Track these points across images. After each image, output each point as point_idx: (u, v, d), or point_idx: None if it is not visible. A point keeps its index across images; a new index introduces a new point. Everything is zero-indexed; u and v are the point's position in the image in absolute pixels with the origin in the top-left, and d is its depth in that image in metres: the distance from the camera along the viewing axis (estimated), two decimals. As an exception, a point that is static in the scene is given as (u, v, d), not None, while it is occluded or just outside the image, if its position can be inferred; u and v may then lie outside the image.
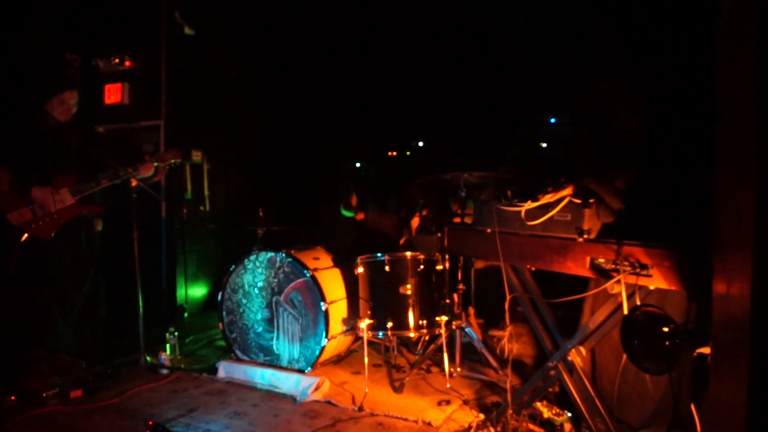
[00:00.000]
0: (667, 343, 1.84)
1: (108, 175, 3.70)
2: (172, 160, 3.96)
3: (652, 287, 2.20)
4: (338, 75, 5.97)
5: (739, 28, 1.29)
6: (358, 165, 5.59)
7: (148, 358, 3.94)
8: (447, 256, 3.68)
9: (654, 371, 2.00)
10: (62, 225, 3.61)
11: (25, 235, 3.50)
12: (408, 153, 5.98)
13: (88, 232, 3.82)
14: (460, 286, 3.75)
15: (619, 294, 2.24)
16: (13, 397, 3.23)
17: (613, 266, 2.25)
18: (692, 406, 2.17)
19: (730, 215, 1.30)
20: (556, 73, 5.00)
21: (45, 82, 3.80)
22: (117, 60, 5.32)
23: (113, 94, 5.42)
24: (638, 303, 2.16)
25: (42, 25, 4.90)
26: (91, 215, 3.80)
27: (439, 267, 3.64)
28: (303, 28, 5.91)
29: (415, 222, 4.81)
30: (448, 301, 3.69)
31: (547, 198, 2.49)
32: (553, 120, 5.19)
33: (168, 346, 4.14)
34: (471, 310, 4.04)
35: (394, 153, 5.75)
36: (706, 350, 1.76)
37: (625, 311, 2.17)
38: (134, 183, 3.81)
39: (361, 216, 4.78)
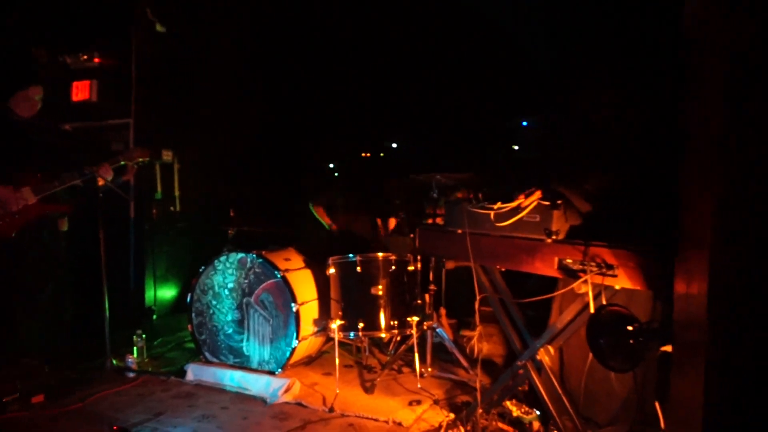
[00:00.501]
0: (631, 341, 1.88)
1: (72, 175, 3.61)
2: (140, 159, 3.88)
3: (618, 287, 2.25)
4: (312, 75, 5.95)
5: (703, 40, 1.33)
6: (331, 165, 5.57)
7: (115, 362, 3.86)
8: (419, 257, 3.70)
9: (619, 369, 2.04)
10: (24, 225, 3.50)
11: (-15, 234, 3.39)
12: (381, 154, 5.98)
13: (52, 232, 3.72)
14: (432, 287, 3.77)
15: (586, 294, 2.28)
16: (-29, 403, 3.13)
17: (580, 266, 2.29)
18: (656, 404, 2.23)
19: (690, 217, 1.33)
20: (532, 75, 5.06)
21: (8, 76, 3.69)
22: (85, 57, 5.19)
23: (81, 91, 5.28)
24: (604, 302, 2.20)
25: (7, 19, 4.77)
26: (55, 215, 3.70)
27: (411, 268, 3.65)
28: (277, 28, 5.86)
29: (392, 223, 4.80)
30: (419, 301, 3.71)
31: (518, 203, 2.51)
32: (524, 123, 5.26)
33: (135, 348, 4.06)
34: (442, 311, 4.07)
35: (368, 154, 5.75)
36: (670, 348, 1.81)
37: (592, 310, 2.21)
38: (101, 182, 3.73)
39: (335, 227, 4.75)
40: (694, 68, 1.35)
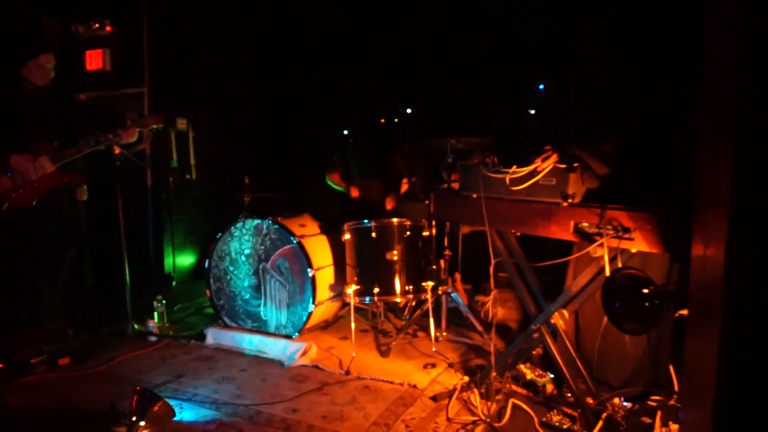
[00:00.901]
0: (646, 304, 1.87)
1: (89, 142, 3.63)
2: (154, 125, 3.90)
3: (634, 250, 2.23)
4: (327, 41, 5.86)
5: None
6: (345, 132, 5.54)
7: (136, 326, 3.96)
8: (434, 223, 3.70)
9: (634, 332, 2.04)
10: (44, 193, 3.56)
11: (6, 204, 3.45)
12: (396, 120, 5.92)
13: (71, 201, 3.77)
14: (447, 252, 3.78)
15: (602, 257, 2.26)
16: (1, 365, 3.23)
17: (596, 230, 2.27)
18: (671, 367, 2.23)
19: (708, 178, 1.31)
20: (546, 38, 4.93)
21: (21, 47, 3.69)
22: (97, 25, 5.15)
23: (94, 60, 5.27)
24: (620, 266, 2.18)
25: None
26: (73, 183, 3.75)
27: (426, 233, 3.66)
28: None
29: (404, 187, 4.79)
30: (434, 266, 3.72)
31: (534, 167, 2.48)
32: (541, 86, 5.15)
33: (156, 314, 4.16)
34: (457, 276, 4.08)
35: (382, 120, 5.70)
36: (686, 312, 1.80)
37: (607, 274, 2.20)
38: (117, 151, 3.76)
39: (355, 193, 4.74)
40: (713, 26, 1.30)
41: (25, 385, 3.15)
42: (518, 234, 2.77)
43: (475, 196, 2.77)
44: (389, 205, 4.67)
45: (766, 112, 1.20)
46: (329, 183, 4.92)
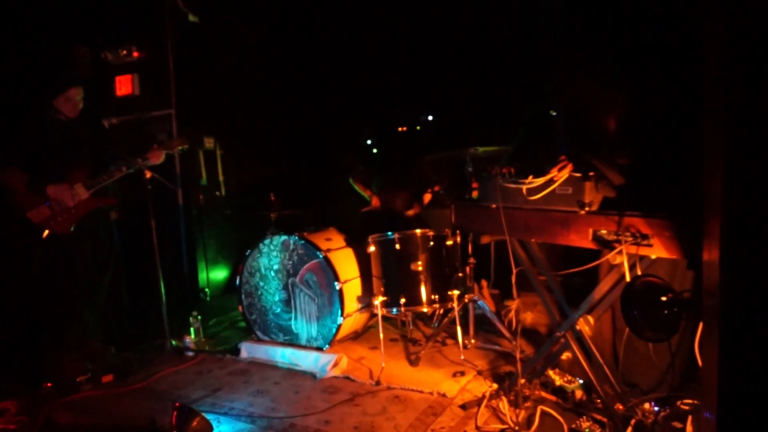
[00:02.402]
0: (665, 311, 1.88)
1: (119, 167, 3.80)
2: (180, 147, 4.05)
3: (653, 256, 2.23)
4: (346, 53, 5.95)
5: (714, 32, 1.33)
6: (368, 142, 5.61)
7: (174, 342, 4.10)
8: (458, 231, 3.73)
9: (653, 339, 2.05)
10: (80, 219, 3.73)
11: (46, 231, 3.63)
12: (418, 128, 5.96)
13: (106, 224, 3.95)
14: (471, 260, 3.81)
15: (622, 264, 2.27)
16: (49, 384, 3.40)
17: (614, 237, 2.28)
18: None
19: (711, 186, 1.34)
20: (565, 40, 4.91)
21: (52, 79, 3.88)
22: (125, 51, 5.38)
23: (124, 85, 5.50)
24: (639, 273, 2.19)
25: (48, 21, 4.97)
26: (106, 207, 3.92)
27: (449, 242, 3.69)
28: (308, 8, 5.87)
29: (427, 198, 4.83)
30: (460, 275, 3.75)
31: (550, 176, 2.51)
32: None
33: (192, 329, 4.29)
34: (484, 283, 4.11)
35: (404, 128, 5.75)
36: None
37: (628, 280, 2.20)
38: (148, 175, 3.92)
39: (376, 202, 4.80)
40: (707, 49, 1.34)
41: (71, 402, 3.30)
42: (539, 242, 2.79)
43: (493, 206, 2.80)
44: (411, 211, 4.70)
45: (753, 121, 1.23)
46: (352, 184, 4.97)
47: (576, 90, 2.69)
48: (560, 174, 2.43)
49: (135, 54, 5.39)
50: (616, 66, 2.56)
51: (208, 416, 2.78)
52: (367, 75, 5.89)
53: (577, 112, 2.73)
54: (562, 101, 2.83)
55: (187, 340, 4.13)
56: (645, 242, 2.17)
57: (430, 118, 6.10)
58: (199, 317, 4.37)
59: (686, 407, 2.48)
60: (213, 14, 5.52)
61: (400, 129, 5.71)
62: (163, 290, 4.06)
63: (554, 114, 5.17)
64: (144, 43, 5.37)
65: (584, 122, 2.83)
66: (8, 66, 4.51)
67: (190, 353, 4.02)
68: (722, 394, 1.27)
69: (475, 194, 3.59)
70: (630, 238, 2.20)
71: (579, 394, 2.90)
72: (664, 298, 1.90)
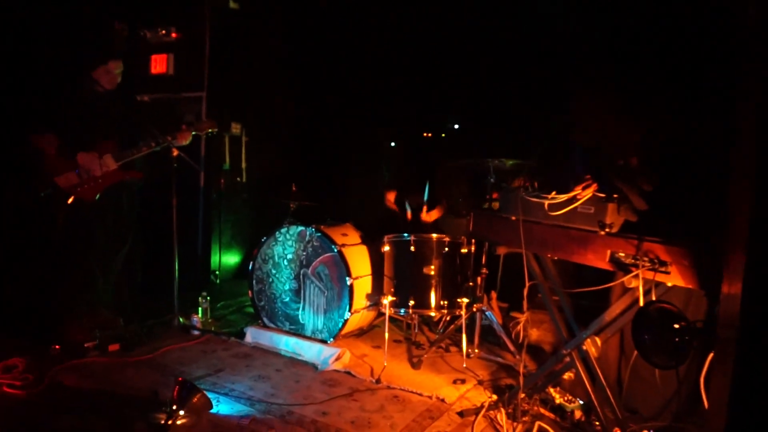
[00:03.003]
0: (676, 339, 1.88)
1: (148, 143, 3.86)
2: (209, 130, 4.10)
3: (669, 284, 2.23)
4: (377, 53, 5.98)
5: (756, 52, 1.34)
6: (393, 144, 5.63)
7: (181, 320, 4.15)
8: (473, 240, 3.74)
9: (661, 366, 2.05)
10: (105, 189, 3.80)
11: (71, 197, 3.70)
12: (443, 135, 5.98)
13: (129, 197, 4.01)
14: (484, 270, 3.82)
15: (637, 288, 2.27)
16: (57, 347, 3.47)
17: (632, 261, 2.28)
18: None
19: (734, 219, 1.35)
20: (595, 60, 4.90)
21: (93, 51, 3.96)
22: (163, 31, 5.46)
23: (159, 64, 5.58)
24: (653, 298, 2.19)
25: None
26: (132, 181, 3.99)
27: (464, 250, 3.70)
28: (342, 5, 5.92)
29: (434, 214, 4.79)
30: (471, 283, 3.76)
31: (574, 194, 2.52)
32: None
33: (200, 309, 4.34)
34: (493, 294, 4.11)
35: (429, 134, 5.77)
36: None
37: (641, 305, 2.20)
38: (175, 153, 3.98)
39: (409, 216, 4.79)
40: (744, 76, 1.35)
41: (77, 366, 3.35)
42: (555, 258, 2.80)
43: (513, 218, 2.81)
44: (430, 217, 4.70)
45: None
46: (386, 201, 4.98)
47: (593, 124, 2.71)
48: (584, 192, 2.44)
49: (173, 35, 5.47)
50: (635, 97, 2.57)
51: (209, 394, 2.82)
52: (399, 76, 5.92)
53: (595, 145, 2.74)
54: (579, 137, 2.85)
55: (195, 319, 4.18)
56: (663, 269, 2.17)
57: (456, 126, 6.12)
58: (209, 298, 4.42)
59: (685, 438, 2.48)
60: (253, 3, 5.58)
61: (425, 134, 5.74)
62: (177, 268, 4.11)
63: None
64: (182, 24, 5.44)
65: (602, 156, 2.83)
66: (51, 36, 4.61)
67: (196, 332, 4.07)
68: (731, 425, 1.27)
69: (495, 205, 3.61)
70: (648, 263, 2.21)
71: (578, 414, 2.90)
72: (676, 326, 1.90)
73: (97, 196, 3.77)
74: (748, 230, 1.25)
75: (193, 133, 4.04)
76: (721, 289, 1.50)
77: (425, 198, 4.78)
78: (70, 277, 3.81)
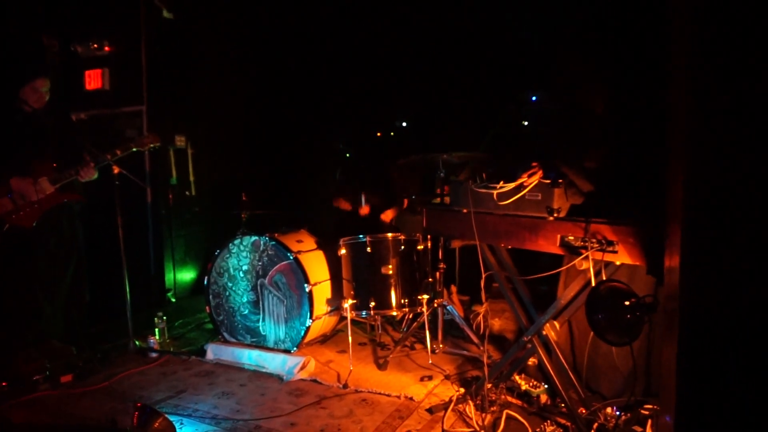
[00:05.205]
0: (628, 316, 1.93)
1: (87, 163, 3.70)
2: (152, 144, 3.96)
3: (618, 263, 2.28)
4: (321, 56, 5.95)
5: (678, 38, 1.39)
6: (341, 146, 5.61)
7: (137, 342, 4.01)
8: (429, 236, 3.75)
9: (616, 343, 2.09)
10: (44, 213, 3.63)
11: (7, 225, 3.52)
12: (392, 133, 6.00)
13: (69, 220, 3.84)
14: (442, 265, 3.83)
15: (588, 270, 2.32)
16: (4, 384, 3.29)
17: (581, 243, 2.33)
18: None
19: (672, 193, 1.39)
20: (538, 49, 5.01)
21: (20, 69, 3.78)
22: (96, 45, 5.27)
23: (94, 79, 5.39)
24: (604, 278, 2.24)
25: (17, 10, 4.84)
26: (71, 203, 3.82)
27: (421, 246, 3.71)
28: (284, 10, 5.86)
29: (405, 203, 4.79)
30: (430, 279, 3.77)
31: (520, 182, 2.55)
32: (534, 98, 5.22)
33: (157, 330, 4.21)
34: (453, 288, 4.14)
35: (379, 134, 5.77)
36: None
37: (593, 285, 2.25)
38: (116, 170, 3.83)
39: (365, 211, 4.75)
40: (670, 55, 1.40)
41: (27, 402, 3.19)
42: (509, 247, 2.83)
43: (465, 210, 2.83)
44: (387, 217, 4.70)
45: (714, 128, 1.28)
46: (337, 207, 4.93)
47: (572, 77, 2.73)
48: (530, 180, 2.48)
49: (106, 48, 5.28)
50: (607, 61, 2.61)
51: (171, 418, 2.73)
52: (344, 79, 5.91)
53: (570, 97, 2.76)
54: (559, 86, 2.86)
55: (152, 340, 4.04)
56: (610, 248, 2.22)
57: (404, 124, 6.15)
58: (165, 317, 4.29)
59: (646, 412, 2.55)
60: (188, 11, 5.45)
61: (376, 134, 5.74)
62: (128, 289, 3.96)
63: (525, 123, 5.26)
64: (116, 37, 5.27)
65: (575, 110, 2.84)
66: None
67: (154, 354, 3.94)
68: (680, 396, 1.31)
69: (447, 200, 3.63)
70: (596, 245, 2.25)
71: (544, 398, 2.94)
72: (627, 303, 1.95)
73: (35, 222, 3.60)
74: (682, 203, 1.29)
75: (134, 149, 3.90)
76: (665, 263, 1.54)
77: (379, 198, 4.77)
78: (14, 306, 3.62)
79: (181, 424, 2.89)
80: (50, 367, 3.46)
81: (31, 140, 3.65)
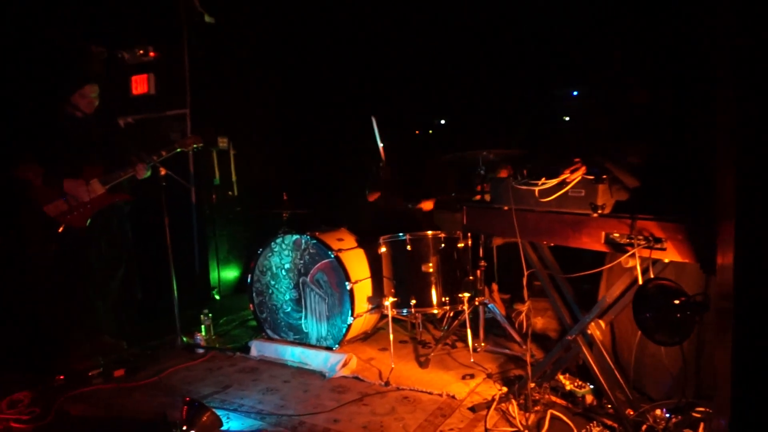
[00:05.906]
0: (677, 315, 1.87)
1: (134, 164, 3.84)
2: (195, 145, 4.07)
3: (666, 260, 2.22)
4: (360, 55, 5.98)
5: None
6: (381, 144, 5.61)
7: (185, 339, 4.13)
8: (469, 233, 3.73)
9: (665, 343, 2.03)
10: (95, 214, 3.78)
11: (62, 225, 3.68)
12: (430, 131, 5.98)
13: (120, 219, 3.99)
14: (482, 263, 3.80)
15: (634, 268, 2.26)
16: (61, 377, 3.44)
17: (627, 240, 2.27)
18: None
19: (723, 189, 1.34)
20: (578, 44, 4.91)
21: (69, 76, 3.94)
22: (141, 51, 5.44)
23: (140, 84, 5.57)
24: (651, 276, 2.18)
25: (65, 19, 5.03)
26: (122, 203, 3.97)
27: (461, 244, 3.69)
28: (322, 11, 5.91)
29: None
30: (471, 277, 3.74)
31: (562, 178, 2.51)
32: (575, 93, 5.12)
33: (203, 327, 4.32)
34: (494, 286, 4.09)
35: (417, 131, 5.76)
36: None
37: (640, 284, 2.19)
38: (163, 172, 3.96)
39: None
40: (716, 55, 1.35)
41: (83, 395, 3.33)
42: (552, 245, 2.79)
43: (506, 208, 2.80)
44: (427, 207, 4.66)
45: (764, 121, 1.23)
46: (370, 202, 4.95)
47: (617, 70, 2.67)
48: (573, 176, 2.43)
49: (151, 54, 5.45)
50: (652, 54, 2.55)
51: (218, 412, 2.80)
52: (383, 78, 5.92)
53: (615, 91, 2.70)
54: (603, 80, 2.81)
55: (198, 337, 4.16)
56: (658, 246, 2.16)
57: (443, 121, 6.12)
58: (210, 315, 4.40)
59: (698, 414, 2.47)
60: (229, 15, 5.56)
61: (415, 132, 5.73)
62: (175, 287, 4.09)
63: (567, 119, 5.17)
64: (160, 43, 5.42)
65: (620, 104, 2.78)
66: (26, 62, 4.58)
67: (201, 350, 4.05)
68: (736, 399, 1.26)
69: (487, 197, 3.60)
70: (643, 242, 2.20)
71: (589, 399, 2.88)
72: (676, 302, 1.89)
73: (88, 221, 3.75)
74: (735, 200, 1.25)
75: (178, 150, 4.01)
76: (717, 261, 1.49)
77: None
78: (68, 305, 3.78)
79: (228, 418, 2.96)
80: (103, 362, 3.61)
81: (81, 144, 3.80)
